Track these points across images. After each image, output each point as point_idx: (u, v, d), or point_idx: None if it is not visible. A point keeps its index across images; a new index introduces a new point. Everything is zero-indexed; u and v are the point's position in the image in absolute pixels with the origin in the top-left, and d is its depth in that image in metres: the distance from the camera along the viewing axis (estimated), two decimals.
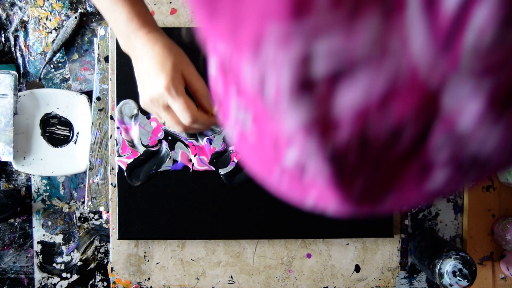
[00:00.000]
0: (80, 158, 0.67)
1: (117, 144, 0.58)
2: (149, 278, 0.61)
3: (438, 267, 0.59)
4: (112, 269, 0.61)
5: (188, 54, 0.45)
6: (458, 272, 0.57)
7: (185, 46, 0.47)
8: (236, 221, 0.59)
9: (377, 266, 0.61)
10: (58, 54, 0.70)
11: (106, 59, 0.62)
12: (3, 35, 0.70)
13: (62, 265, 0.71)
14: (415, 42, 0.15)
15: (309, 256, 0.61)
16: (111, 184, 0.60)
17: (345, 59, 0.15)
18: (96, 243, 0.71)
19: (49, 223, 0.71)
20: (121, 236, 0.59)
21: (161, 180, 0.58)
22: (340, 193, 0.19)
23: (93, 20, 0.70)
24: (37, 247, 0.71)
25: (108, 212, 0.65)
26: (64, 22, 0.70)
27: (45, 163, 0.67)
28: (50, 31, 0.70)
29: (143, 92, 0.43)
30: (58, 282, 0.71)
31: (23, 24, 0.70)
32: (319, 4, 0.14)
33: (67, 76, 0.70)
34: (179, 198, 0.59)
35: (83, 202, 0.71)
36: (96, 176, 0.63)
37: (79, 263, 0.71)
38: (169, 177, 0.58)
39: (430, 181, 0.19)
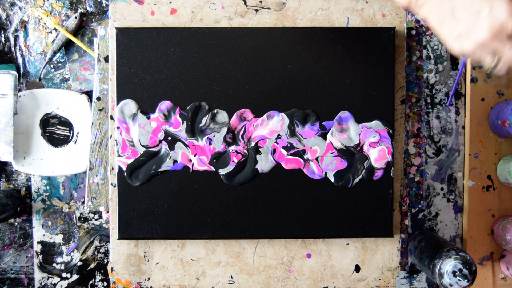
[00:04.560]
0: (80, 158, 0.67)
1: (117, 144, 0.58)
2: (149, 278, 0.61)
3: (438, 267, 0.59)
4: (112, 269, 0.61)
5: None
6: (458, 272, 0.57)
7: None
8: (236, 221, 0.59)
9: (377, 266, 0.61)
10: (58, 54, 0.70)
11: (106, 59, 0.62)
12: (3, 35, 0.70)
13: (62, 265, 0.71)
14: None
15: (309, 256, 0.61)
16: (111, 184, 0.60)
17: None
18: (96, 243, 0.71)
19: (49, 223, 0.71)
20: (121, 236, 0.59)
21: (161, 180, 0.58)
22: None
23: (93, 20, 0.70)
24: (37, 247, 0.71)
25: (108, 212, 0.65)
26: (64, 22, 0.70)
27: (45, 163, 0.67)
28: (50, 31, 0.70)
29: (467, 32, 0.38)
30: (58, 282, 0.71)
31: (23, 24, 0.70)
32: None
33: (67, 76, 0.70)
34: (179, 198, 0.59)
35: (83, 202, 0.71)
36: (96, 176, 0.63)
37: (79, 263, 0.71)
38: (169, 177, 0.58)
39: None
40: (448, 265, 0.58)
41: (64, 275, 0.71)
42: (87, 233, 0.71)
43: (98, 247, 0.71)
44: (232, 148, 0.59)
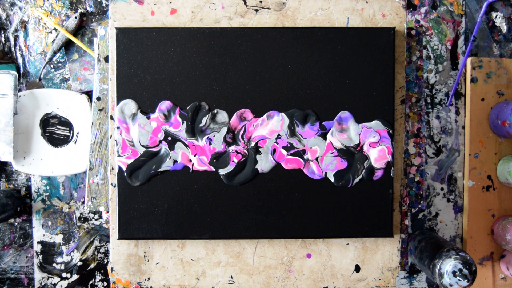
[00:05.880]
0: (80, 158, 0.67)
1: (117, 144, 0.58)
2: (149, 278, 0.61)
3: (438, 267, 0.59)
4: (112, 269, 0.61)
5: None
6: (458, 272, 0.57)
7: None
8: (236, 221, 0.59)
9: (377, 266, 0.61)
10: (58, 54, 0.70)
11: (106, 59, 0.62)
12: (3, 35, 0.70)
13: (62, 265, 0.71)
14: None
15: (309, 256, 0.61)
16: (111, 184, 0.60)
17: None
18: (96, 243, 0.71)
19: (49, 223, 0.71)
20: (121, 236, 0.59)
21: (161, 180, 0.59)
22: None
23: (93, 20, 0.70)
24: (37, 247, 0.71)
25: (108, 212, 0.65)
26: (64, 22, 0.70)
27: (45, 163, 0.67)
28: (50, 31, 0.70)
29: None
30: (58, 282, 0.71)
31: (23, 24, 0.70)
32: None
33: (67, 76, 0.70)
34: (179, 198, 0.59)
35: (83, 202, 0.71)
36: (96, 176, 0.63)
37: (79, 263, 0.71)
38: (169, 177, 0.58)
39: None
40: (448, 265, 0.58)
41: (64, 275, 0.71)
42: (87, 233, 0.71)
43: (98, 247, 0.71)
44: (232, 148, 0.59)
